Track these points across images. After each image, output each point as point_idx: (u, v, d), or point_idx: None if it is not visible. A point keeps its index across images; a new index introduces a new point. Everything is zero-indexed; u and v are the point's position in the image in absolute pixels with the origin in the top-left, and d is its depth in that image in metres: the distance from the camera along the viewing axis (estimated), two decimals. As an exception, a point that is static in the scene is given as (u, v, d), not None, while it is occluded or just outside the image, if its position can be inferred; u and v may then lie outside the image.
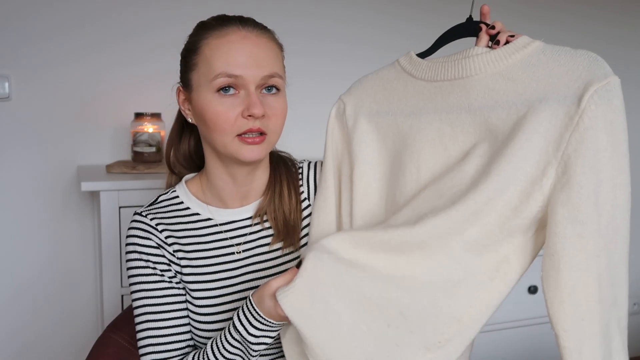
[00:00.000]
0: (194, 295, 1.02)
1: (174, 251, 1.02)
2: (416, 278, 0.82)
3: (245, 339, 0.89)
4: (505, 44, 0.83)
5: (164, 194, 1.08)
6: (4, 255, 1.87)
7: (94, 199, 1.87)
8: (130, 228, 1.03)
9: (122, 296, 1.59)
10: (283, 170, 1.09)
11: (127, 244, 1.03)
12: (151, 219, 1.03)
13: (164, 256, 1.01)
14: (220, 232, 1.05)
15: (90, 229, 1.94)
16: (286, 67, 1.03)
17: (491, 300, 0.82)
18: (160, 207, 1.06)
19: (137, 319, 1.00)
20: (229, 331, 0.92)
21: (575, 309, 0.75)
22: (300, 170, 1.11)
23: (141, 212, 1.05)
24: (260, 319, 0.88)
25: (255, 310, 0.88)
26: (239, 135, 0.95)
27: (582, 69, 0.76)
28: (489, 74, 0.83)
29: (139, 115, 1.81)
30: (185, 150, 1.12)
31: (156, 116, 1.82)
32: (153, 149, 1.79)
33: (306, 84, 2.07)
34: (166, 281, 1.00)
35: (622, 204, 0.75)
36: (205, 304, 1.02)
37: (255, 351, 0.91)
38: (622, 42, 2.56)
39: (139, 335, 0.99)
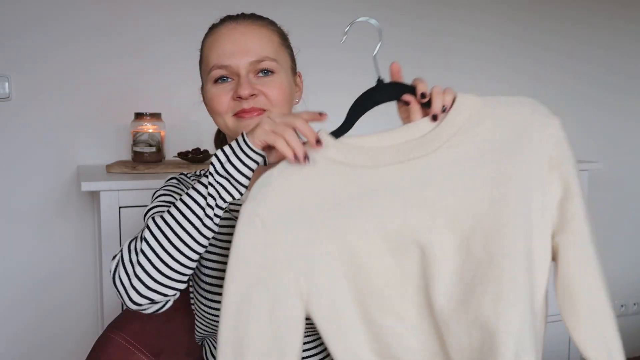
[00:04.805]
0: (205, 264, 1.04)
1: None
2: None
3: (228, 170, 0.84)
4: (442, 108, 0.82)
5: (203, 170, 1.14)
6: (4, 255, 1.87)
7: (94, 199, 1.87)
8: (171, 177, 1.10)
9: (122, 296, 1.59)
10: None
11: (168, 179, 1.09)
12: (192, 180, 1.11)
13: None
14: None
15: (90, 229, 1.94)
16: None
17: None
18: (200, 177, 1.11)
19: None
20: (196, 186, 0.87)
21: (595, 327, 0.79)
22: None
23: (186, 173, 1.13)
24: (249, 150, 0.84)
25: (246, 143, 0.84)
26: (236, 114, 0.99)
27: (527, 119, 0.81)
28: (445, 146, 0.81)
29: (139, 115, 1.81)
30: (216, 136, 1.22)
31: (156, 116, 1.81)
32: (153, 149, 1.79)
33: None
34: None
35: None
36: (215, 275, 1.03)
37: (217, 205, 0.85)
38: (621, 47, 2.57)
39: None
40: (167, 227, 0.85)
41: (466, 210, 0.79)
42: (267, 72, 1.00)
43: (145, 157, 1.78)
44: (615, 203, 2.61)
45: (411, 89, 0.84)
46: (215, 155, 0.85)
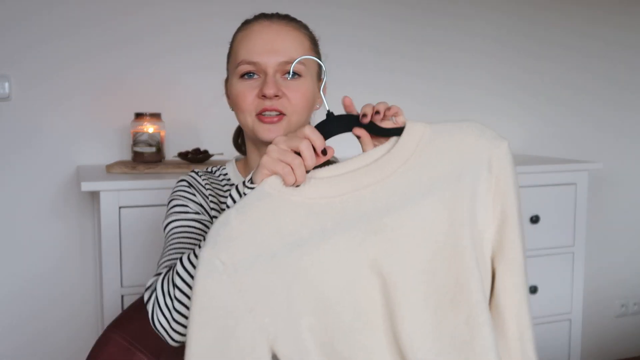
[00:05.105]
0: None
1: (212, 217, 1.07)
2: None
3: None
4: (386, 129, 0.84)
5: (215, 168, 1.17)
6: (4, 255, 1.87)
7: (94, 199, 1.87)
8: (181, 180, 1.11)
9: (122, 296, 1.59)
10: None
11: (178, 181, 1.11)
12: (202, 179, 1.11)
13: (201, 205, 1.07)
14: None
15: (90, 229, 1.94)
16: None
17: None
18: (212, 175, 1.14)
19: (168, 238, 1.03)
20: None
21: (522, 349, 0.85)
22: None
23: (197, 171, 1.13)
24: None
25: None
26: (258, 114, 1.01)
27: (477, 143, 0.83)
28: (398, 172, 0.81)
29: (139, 115, 1.81)
30: (234, 136, 1.22)
31: (156, 116, 1.82)
32: (153, 149, 1.79)
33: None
34: (199, 212, 1.05)
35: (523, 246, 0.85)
36: None
37: None
38: (622, 43, 2.57)
39: (164, 255, 1.00)
40: (194, 270, 0.84)
41: (425, 235, 0.79)
42: (294, 74, 1.01)
43: (145, 157, 1.78)
44: (615, 203, 2.61)
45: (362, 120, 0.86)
46: (231, 195, 0.86)
